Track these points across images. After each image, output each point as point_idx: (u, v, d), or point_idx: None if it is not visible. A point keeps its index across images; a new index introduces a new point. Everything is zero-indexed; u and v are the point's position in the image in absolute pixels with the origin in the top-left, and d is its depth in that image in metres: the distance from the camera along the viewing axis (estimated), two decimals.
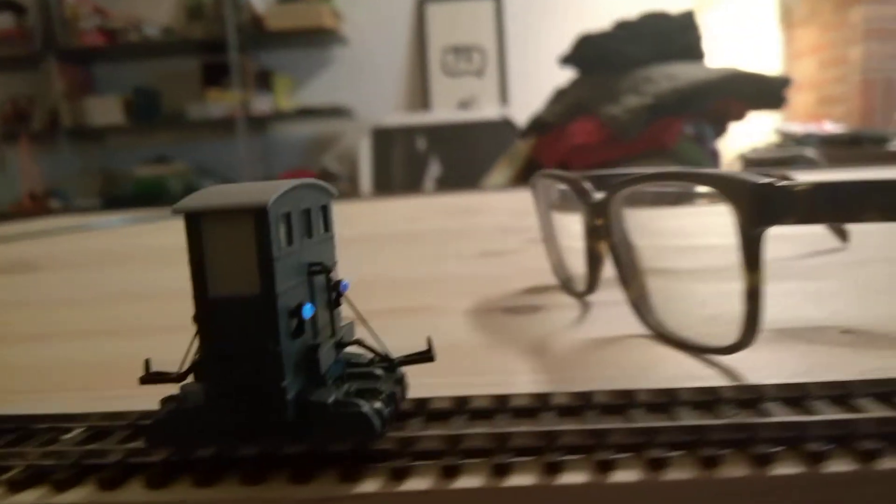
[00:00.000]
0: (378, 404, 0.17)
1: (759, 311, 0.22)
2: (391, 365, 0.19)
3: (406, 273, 0.47)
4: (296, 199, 0.17)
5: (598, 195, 0.30)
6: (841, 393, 0.19)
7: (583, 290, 0.34)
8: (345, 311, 0.19)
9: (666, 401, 0.19)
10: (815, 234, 0.44)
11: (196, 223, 0.16)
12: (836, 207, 0.21)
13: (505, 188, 1.47)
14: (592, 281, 0.33)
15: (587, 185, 0.32)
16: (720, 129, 1.58)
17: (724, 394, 0.19)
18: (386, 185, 2.56)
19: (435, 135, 2.64)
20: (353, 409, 0.16)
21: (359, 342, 0.19)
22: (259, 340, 0.16)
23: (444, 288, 0.39)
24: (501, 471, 0.17)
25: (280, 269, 0.16)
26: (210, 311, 0.16)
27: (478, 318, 0.33)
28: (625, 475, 0.16)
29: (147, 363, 0.18)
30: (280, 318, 0.16)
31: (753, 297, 0.22)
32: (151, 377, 0.17)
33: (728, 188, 0.21)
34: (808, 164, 2.06)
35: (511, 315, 0.33)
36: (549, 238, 0.39)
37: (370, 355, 0.19)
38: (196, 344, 0.16)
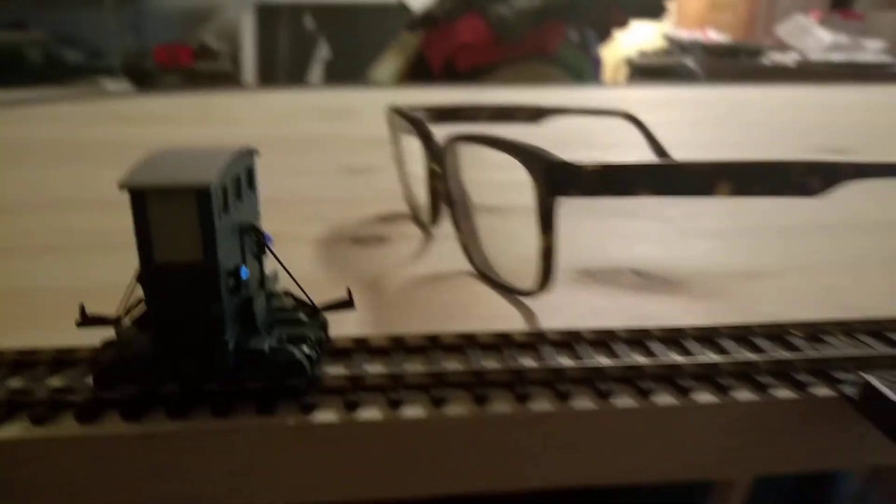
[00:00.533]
0: (307, 349, 0.19)
1: (552, 266, 0.25)
2: (314, 311, 0.21)
3: (264, 191, 0.48)
4: (230, 170, 0.18)
5: (437, 142, 0.33)
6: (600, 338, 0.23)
7: (428, 222, 0.37)
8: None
9: (462, 343, 0.23)
10: None
11: (141, 199, 0.17)
12: (617, 185, 0.24)
13: (389, 86, 1.45)
14: (435, 215, 0.36)
15: (429, 129, 0.34)
16: (605, 36, 1.62)
17: (513, 338, 0.23)
18: (271, 66, 2.45)
19: (324, 14, 2.52)
20: (287, 356, 0.19)
21: (287, 293, 0.22)
22: (202, 300, 0.17)
23: (298, 211, 0.41)
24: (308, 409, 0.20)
25: (219, 237, 0.17)
26: (156, 275, 0.17)
27: (325, 248, 0.35)
28: (413, 411, 0.20)
29: (82, 308, 0.19)
30: (221, 280, 0.17)
31: (547, 255, 0.25)
32: (88, 321, 0.19)
33: (529, 162, 0.24)
34: (689, 75, 2.16)
35: (358, 247, 0.35)
36: (400, 165, 0.42)
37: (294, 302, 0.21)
38: (134, 291, 0.18)
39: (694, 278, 0.30)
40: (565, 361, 0.22)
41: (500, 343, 0.23)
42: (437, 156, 0.32)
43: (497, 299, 0.28)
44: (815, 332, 0.24)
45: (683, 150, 0.55)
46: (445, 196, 0.33)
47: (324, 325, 0.22)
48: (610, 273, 0.31)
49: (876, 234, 0.36)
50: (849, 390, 0.20)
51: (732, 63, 2.26)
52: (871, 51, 2.11)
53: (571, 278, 0.30)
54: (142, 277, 0.18)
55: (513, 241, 0.35)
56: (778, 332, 0.24)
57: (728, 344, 0.23)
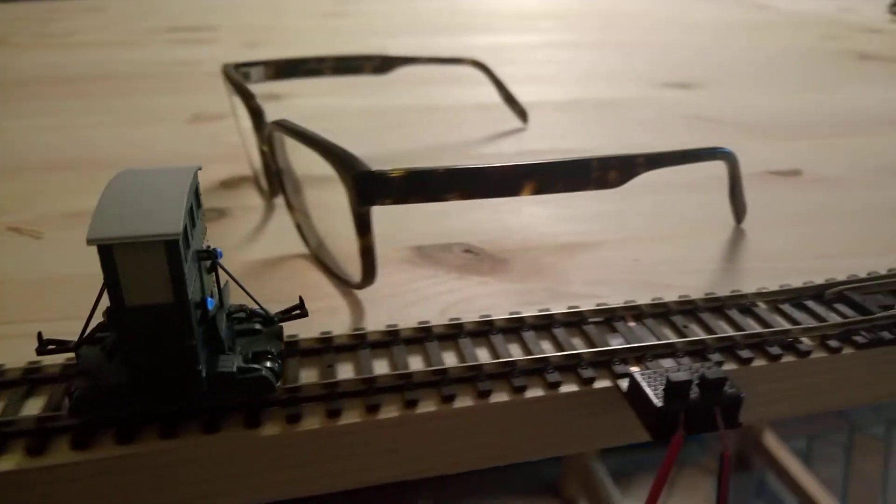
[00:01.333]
0: (270, 363, 0.21)
1: (373, 264, 0.26)
2: (271, 321, 0.22)
3: (93, 149, 0.45)
4: (188, 206, 0.19)
5: (265, 121, 0.32)
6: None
7: (268, 193, 0.37)
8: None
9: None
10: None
11: (109, 252, 0.17)
12: (426, 190, 0.25)
13: None
14: (273, 189, 0.36)
15: (258, 106, 0.33)
16: None
17: (333, 341, 0.24)
18: None
19: None
20: (256, 374, 0.20)
21: (243, 308, 0.23)
22: (175, 336, 0.18)
23: None
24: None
25: (186, 276, 0.18)
26: (127, 318, 0.18)
27: None
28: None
29: (40, 335, 0.20)
30: (191, 316, 0.18)
31: (366, 254, 0.26)
32: (46, 349, 0.20)
33: (339, 169, 0.25)
34: None
35: None
36: (240, 129, 0.40)
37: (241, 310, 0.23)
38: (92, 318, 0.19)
39: (520, 254, 0.32)
40: (380, 369, 0.23)
41: (322, 348, 0.24)
42: (265, 137, 0.32)
43: (329, 287, 0.29)
44: (611, 317, 0.26)
45: (530, 91, 0.56)
46: (277, 177, 0.33)
47: (279, 334, 0.22)
48: (441, 250, 0.32)
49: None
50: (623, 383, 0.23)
51: None
52: None
53: (403, 257, 0.31)
54: (111, 319, 0.18)
55: (347, 221, 0.36)
56: (577, 320, 0.26)
57: (529, 336, 0.25)
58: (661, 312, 0.26)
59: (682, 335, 0.25)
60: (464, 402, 0.22)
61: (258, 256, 0.32)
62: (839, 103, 0.59)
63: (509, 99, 0.49)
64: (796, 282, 0.29)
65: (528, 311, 0.26)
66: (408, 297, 0.28)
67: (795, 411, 0.25)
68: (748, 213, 0.36)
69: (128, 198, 0.18)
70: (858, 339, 0.25)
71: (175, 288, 0.18)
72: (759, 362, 0.24)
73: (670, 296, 0.27)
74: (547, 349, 0.24)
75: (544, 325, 0.26)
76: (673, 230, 0.34)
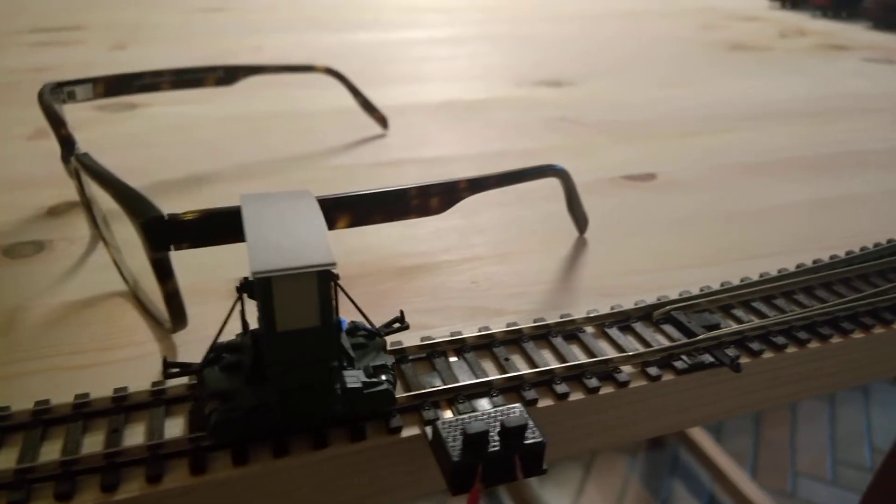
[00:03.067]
0: (389, 377, 0.21)
1: (180, 309, 0.24)
2: (378, 335, 0.23)
3: None
4: None
5: (71, 158, 0.29)
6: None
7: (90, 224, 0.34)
8: None
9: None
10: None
11: (267, 284, 0.18)
12: (226, 231, 0.23)
13: None
14: (91, 222, 0.33)
15: (68, 136, 0.30)
16: None
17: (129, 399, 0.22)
18: None
19: None
20: (380, 388, 0.21)
21: (356, 325, 0.23)
22: (319, 358, 0.20)
23: None
24: None
25: None
26: (277, 342, 0.19)
27: None
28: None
29: (165, 359, 0.21)
30: (333, 338, 0.20)
31: (172, 299, 0.24)
32: (171, 372, 0.21)
33: (130, 214, 0.23)
34: None
35: (10, 261, 0.32)
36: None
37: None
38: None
39: (356, 280, 0.30)
40: (172, 432, 0.22)
41: (112, 408, 0.22)
42: (71, 170, 0.29)
43: (142, 332, 0.27)
44: (433, 353, 0.25)
45: (401, 93, 0.55)
46: (88, 210, 0.30)
47: (384, 346, 0.23)
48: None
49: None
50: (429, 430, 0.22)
51: None
52: None
53: (232, 290, 0.29)
54: (261, 343, 0.20)
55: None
56: (397, 359, 0.25)
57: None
58: (485, 344, 0.26)
59: (502, 370, 0.24)
60: (262, 460, 0.21)
61: (71, 297, 0.29)
62: (704, 98, 0.60)
63: (367, 106, 0.47)
64: (629, 301, 0.28)
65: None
66: (227, 336, 0.26)
67: (617, 441, 0.25)
68: (596, 224, 0.36)
69: (272, 229, 0.20)
70: (678, 364, 0.25)
71: (323, 313, 0.19)
72: (576, 396, 0.24)
73: (499, 324, 0.27)
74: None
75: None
76: (514, 246, 0.34)
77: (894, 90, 0.65)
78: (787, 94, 0.62)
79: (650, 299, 0.28)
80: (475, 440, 0.20)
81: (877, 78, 0.70)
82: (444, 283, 0.30)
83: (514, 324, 0.27)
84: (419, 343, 0.25)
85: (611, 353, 0.25)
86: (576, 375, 0.24)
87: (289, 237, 0.19)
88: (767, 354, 0.26)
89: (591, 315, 0.27)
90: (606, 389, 0.24)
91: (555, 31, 0.88)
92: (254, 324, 0.21)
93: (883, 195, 0.41)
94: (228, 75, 0.42)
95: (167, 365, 0.21)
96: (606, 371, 0.24)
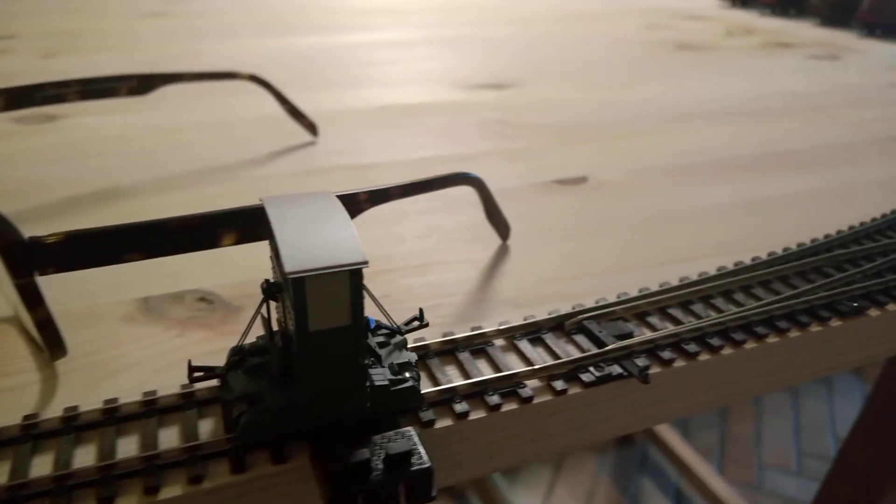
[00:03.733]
0: (413, 374, 0.21)
1: (56, 336, 0.23)
2: (399, 333, 0.23)
3: None
4: None
5: None
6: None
7: None
8: None
9: None
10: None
11: (301, 284, 0.18)
12: (95, 253, 0.22)
13: None
14: None
15: None
16: None
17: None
18: None
19: None
20: (406, 385, 0.21)
21: (379, 323, 0.23)
22: (348, 356, 0.20)
23: None
24: None
25: None
26: (308, 342, 0.19)
27: None
28: None
29: (190, 363, 0.21)
30: (362, 336, 0.20)
31: (45, 327, 0.23)
32: (195, 376, 0.21)
33: None
34: None
35: None
36: None
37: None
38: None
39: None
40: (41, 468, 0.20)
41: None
42: None
43: (23, 360, 0.25)
44: None
45: (338, 99, 0.53)
46: None
47: (405, 345, 0.23)
48: (171, 301, 0.29)
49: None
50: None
51: None
52: None
53: (124, 313, 0.28)
54: (295, 343, 0.19)
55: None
56: None
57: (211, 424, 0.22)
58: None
59: None
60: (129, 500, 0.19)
61: None
62: (646, 99, 0.59)
63: (295, 113, 0.46)
64: (547, 310, 0.27)
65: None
66: (111, 365, 0.25)
67: (523, 459, 0.24)
68: (521, 230, 0.35)
69: (301, 230, 0.20)
70: (586, 377, 0.24)
71: (353, 311, 0.19)
72: (477, 414, 0.22)
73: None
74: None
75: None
76: (433, 257, 0.33)
77: (834, 87, 0.65)
78: (729, 94, 0.62)
79: (566, 308, 0.28)
80: (356, 469, 0.19)
81: (819, 75, 0.70)
82: None
83: (422, 339, 0.25)
84: None
85: (518, 366, 0.24)
86: (478, 392, 0.23)
87: (318, 237, 0.19)
88: (679, 363, 0.25)
89: (502, 327, 0.26)
90: (509, 406, 0.23)
91: (503, 34, 0.87)
92: (274, 326, 0.22)
93: (810, 195, 0.40)
94: (143, 84, 0.40)
95: (192, 369, 0.21)
96: (510, 386, 0.23)
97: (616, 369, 0.24)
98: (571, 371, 0.24)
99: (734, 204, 0.39)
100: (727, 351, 0.26)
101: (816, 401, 1.70)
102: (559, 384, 0.24)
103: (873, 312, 0.29)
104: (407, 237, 0.34)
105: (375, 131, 0.50)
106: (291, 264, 0.18)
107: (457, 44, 0.80)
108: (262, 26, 0.89)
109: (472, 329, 0.26)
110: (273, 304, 0.22)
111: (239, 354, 0.22)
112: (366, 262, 0.19)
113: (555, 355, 0.25)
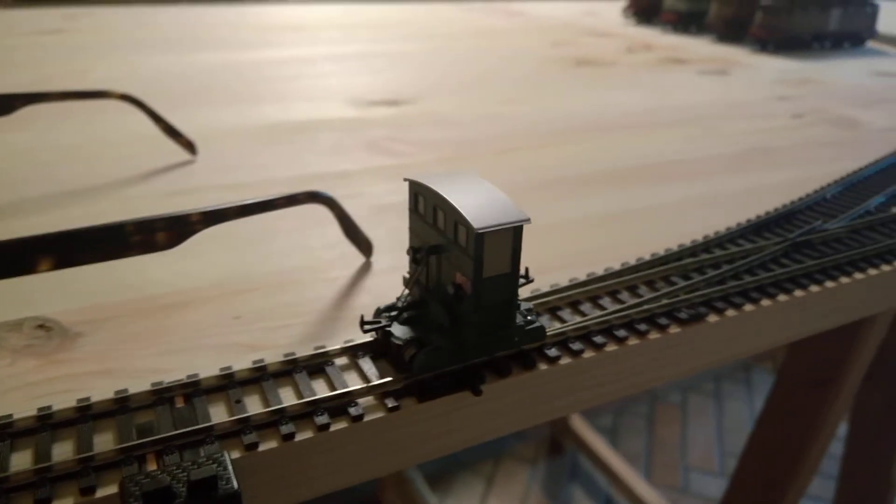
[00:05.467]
0: (535, 316, 0.26)
1: None
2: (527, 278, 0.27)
3: None
4: None
5: None
6: None
7: None
8: None
9: None
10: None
11: (482, 239, 0.23)
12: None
13: None
14: None
15: None
16: None
17: None
18: None
19: None
20: (536, 325, 0.26)
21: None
22: (506, 298, 0.24)
23: None
24: None
25: None
26: (482, 287, 0.23)
27: None
28: None
29: (362, 318, 0.25)
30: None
31: None
32: (366, 329, 0.25)
33: None
34: None
35: None
36: None
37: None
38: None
39: (105, 324, 0.28)
40: None
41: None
42: None
43: None
44: (159, 400, 0.23)
45: (203, 117, 0.52)
46: None
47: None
48: (8, 329, 0.28)
49: None
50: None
51: None
52: None
53: None
54: (474, 288, 0.23)
55: None
56: (114, 409, 0.23)
57: (45, 438, 0.21)
58: (222, 385, 0.24)
59: (231, 412, 0.23)
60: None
61: None
62: (538, 114, 0.61)
63: (171, 132, 0.45)
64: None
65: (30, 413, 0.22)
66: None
67: (355, 479, 0.24)
68: (389, 247, 0.35)
69: (469, 198, 0.24)
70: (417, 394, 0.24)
71: (513, 261, 0.24)
72: (304, 435, 0.22)
73: (244, 362, 0.25)
74: (62, 453, 0.21)
75: (73, 419, 0.22)
76: (293, 275, 0.32)
77: (719, 101, 0.68)
78: (619, 108, 0.64)
79: None
80: (156, 497, 0.18)
81: (705, 89, 0.73)
82: (206, 320, 0.29)
83: (261, 360, 0.25)
84: (146, 389, 0.23)
85: (355, 384, 0.24)
86: (308, 413, 0.23)
87: (484, 203, 0.24)
88: (517, 375, 0.26)
89: (347, 345, 0.26)
90: (339, 425, 0.23)
91: (409, 51, 0.88)
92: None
93: (674, 205, 0.42)
94: (6, 104, 0.39)
95: (364, 322, 0.25)
96: (342, 405, 0.23)
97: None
98: (408, 387, 0.24)
99: (596, 215, 0.40)
100: (565, 360, 0.27)
101: (737, 401, 1.76)
102: (391, 401, 0.24)
103: (712, 318, 0.30)
104: (272, 255, 0.34)
105: (261, 149, 0.49)
106: (478, 222, 0.22)
107: (361, 60, 0.81)
108: (162, 43, 0.87)
109: (316, 348, 0.26)
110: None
111: (389, 311, 0.26)
112: (528, 220, 0.23)
113: (393, 371, 0.25)
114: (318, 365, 0.25)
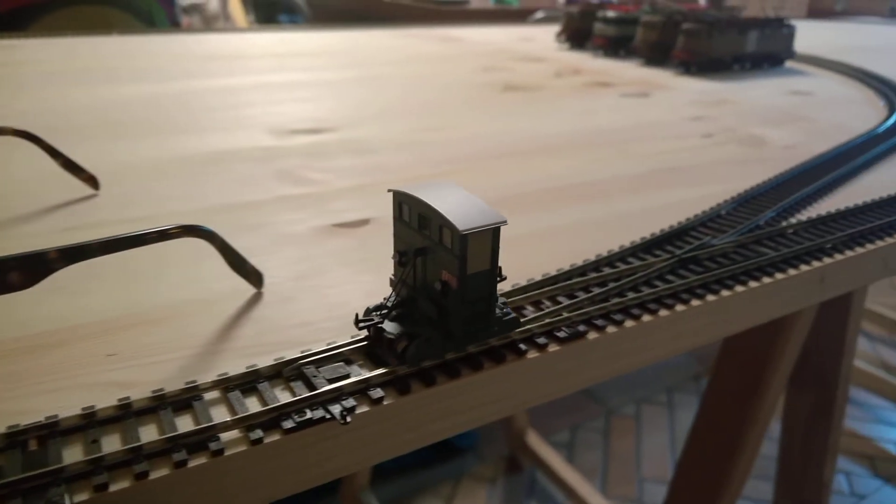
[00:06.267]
0: (509, 308, 0.29)
1: None
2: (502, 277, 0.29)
3: None
4: None
5: None
6: None
7: None
8: None
9: None
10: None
11: (465, 239, 0.26)
12: None
13: None
14: None
15: None
16: None
17: None
18: None
19: None
20: (511, 316, 0.29)
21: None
22: (486, 292, 0.27)
23: None
24: None
25: None
26: (466, 281, 0.26)
27: None
28: None
29: (357, 315, 0.28)
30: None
31: None
32: (364, 326, 0.28)
33: None
34: (290, 7, 2.14)
35: None
36: None
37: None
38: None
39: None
40: None
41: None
42: None
43: None
44: (8, 445, 0.23)
45: (113, 150, 0.52)
46: None
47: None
48: None
49: None
50: None
51: None
52: None
53: None
54: (458, 284, 0.26)
55: None
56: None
57: None
58: (80, 426, 0.24)
59: (89, 451, 0.23)
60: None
61: None
62: (457, 139, 0.62)
63: (71, 167, 0.44)
64: (268, 359, 0.28)
65: None
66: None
67: None
68: (283, 277, 0.35)
69: (450, 203, 0.27)
70: (288, 423, 0.24)
71: (492, 258, 0.27)
72: (159, 473, 0.22)
73: (109, 399, 0.25)
74: None
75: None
76: (177, 309, 0.32)
77: (636, 123, 0.70)
78: (537, 132, 0.65)
79: (293, 354, 0.28)
80: None
81: (627, 112, 0.75)
82: (78, 359, 0.28)
83: (126, 398, 0.25)
84: (2, 432, 0.23)
85: (221, 418, 0.24)
86: (167, 450, 0.23)
87: (464, 207, 0.27)
88: (389, 400, 0.26)
89: (219, 378, 0.26)
90: (197, 461, 0.23)
91: (344, 78, 0.88)
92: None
93: (577, 225, 0.43)
94: None
95: (358, 321, 0.28)
96: (203, 440, 0.23)
97: (318, 413, 0.25)
98: (272, 419, 0.24)
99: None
100: (444, 383, 0.27)
101: (690, 411, 1.78)
102: (256, 434, 0.24)
103: (591, 336, 0.31)
104: (160, 288, 0.34)
105: (168, 181, 0.49)
106: (462, 225, 0.25)
107: (289, 89, 0.81)
108: (96, 73, 0.86)
109: (187, 383, 0.26)
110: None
111: (378, 310, 0.29)
112: (505, 222, 0.26)
113: (264, 403, 0.25)
114: (185, 400, 0.25)
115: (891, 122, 0.72)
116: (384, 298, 0.30)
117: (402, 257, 0.29)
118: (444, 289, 0.27)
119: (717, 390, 0.80)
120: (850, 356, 0.86)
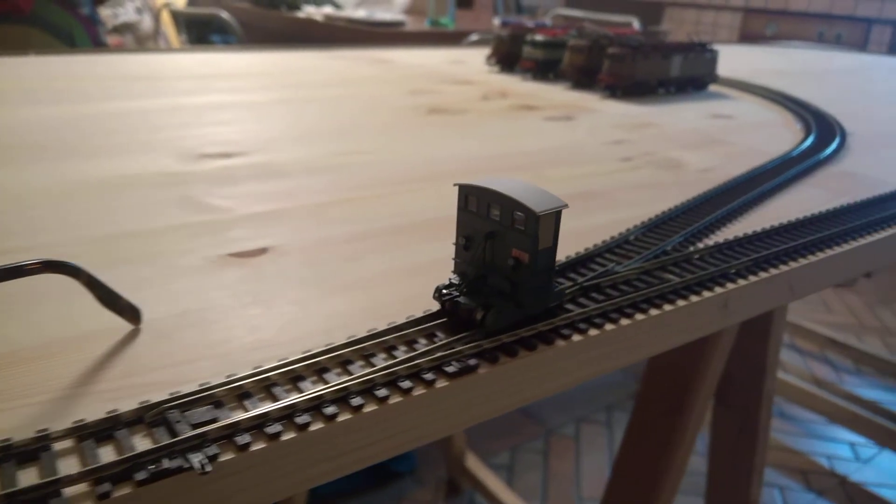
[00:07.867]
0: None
1: None
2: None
3: None
4: None
5: None
6: None
7: None
8: None
9: None
10: None
11: (537, 219, 0.30)
12: None
13: None
14: None
15: None
16: None
17: None
18: None
19: None
20: (561, 287, 0.35)
21: None
22: (550, 266, 0.32)
23: None
24: None
25: None
26: (537, 256, 0.31)
27: None
28: None
29: (438, 287, 0.33)
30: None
31: None
32: (445, 298, 0.33)
33: None
34: (223, 27, 2.11)
35: None
36: None
37: None
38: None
39: None
40: None
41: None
42: None
43: None
44: None
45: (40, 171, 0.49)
46: None
47: None
48: None
49: None
50: None
51: (273, 14, 2.28)
52: (396, 8, 2.31)
53: None
54: (531, 259, 0.31)
55: None
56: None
57: None
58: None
59: None
60: None
61: None
62: (370, 165, 0.61)
63: None
64: (132, 403, 0.26)
65: None
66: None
67: None
68: (165, 313, 0.33)
69: (519, 192, 0.31)
70: (141, 474, 0.22)
71: (555, 236, 0.32)
72: None
73: None
74: None
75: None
76: (40, 351, 0.30)
77: (557, 146, 0.70)
78: (455, 156, 0.65)
79: (160, 397, 0.26)
80: None
81: (548, 135, 0.75)
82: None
83: None
84: None
85: (68, 471, 0.22)
86: None
87: (531, 194, 0.31)
88: (257, 446, 0.24)
89: (74, 425, 0.24)
90: None
91: (267, 100, 0.86)
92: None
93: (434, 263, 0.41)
94: None
95: (439, 293, 0.33)
96: (41, 497, 0.21)
97: (176, 463, 0.23)
98: (125, 470, 0.23)
99: (395, 270, 0.40)
100: (316, 426, 0.26)
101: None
102: (104, 487, 0.22)
103: (483, 370, 0.30)
104: (24, 328, 0.31)
105: (53, 210, 0.46)
106: (537, 208, 0.30)
107: (208, 111, 0.79)
108: (27, 93, 0.82)
109: (38, 431, 0.24)
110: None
111: (449, 287, 0.33)
112: (566, 205, 0.31)
113: (120, 452, 0.23)
114: (33, 451, 0.23)
115: (805, 145, 0.74)
116: (448, 279, 0.34)
117: (468, 242, 0.33)
118: (516, 264, 0.31)
119: (643, 408, 0.81)
120: (772, 375, 0.88)
